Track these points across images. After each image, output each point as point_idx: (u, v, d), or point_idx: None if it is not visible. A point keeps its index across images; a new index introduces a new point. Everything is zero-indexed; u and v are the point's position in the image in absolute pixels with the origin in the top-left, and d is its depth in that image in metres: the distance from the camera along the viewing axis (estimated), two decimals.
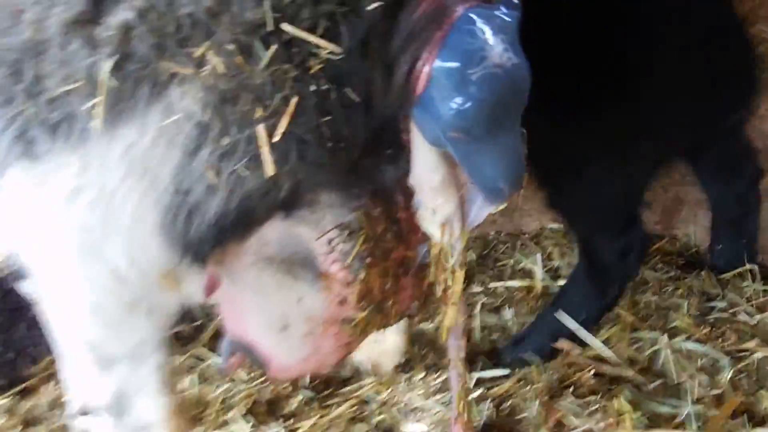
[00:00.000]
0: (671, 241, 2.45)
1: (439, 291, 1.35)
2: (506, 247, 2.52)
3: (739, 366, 1.94)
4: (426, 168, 1.22)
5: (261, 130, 1.02)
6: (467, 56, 1.10)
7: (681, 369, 1.94)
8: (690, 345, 2.00)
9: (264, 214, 1.15)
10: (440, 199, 1.25)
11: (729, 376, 1.90)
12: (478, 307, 2.22)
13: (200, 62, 1.01)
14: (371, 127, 1.14)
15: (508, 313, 2.23)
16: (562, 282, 2.23)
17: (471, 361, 2.00)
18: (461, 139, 1.13)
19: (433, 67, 1.11)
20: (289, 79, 1.02)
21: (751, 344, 2.01)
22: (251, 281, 1.35)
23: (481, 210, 1.28)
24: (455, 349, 1.44)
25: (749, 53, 1.95)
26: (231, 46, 1.00)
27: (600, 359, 1.98)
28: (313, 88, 1.04)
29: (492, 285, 2.31)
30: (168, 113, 1.03)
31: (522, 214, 2.53)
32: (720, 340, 2.03)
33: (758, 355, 1.97)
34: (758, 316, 2.08)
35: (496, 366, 2.03)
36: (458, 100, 1.11)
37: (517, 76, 1.12)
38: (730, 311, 2.13)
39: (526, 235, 2.56)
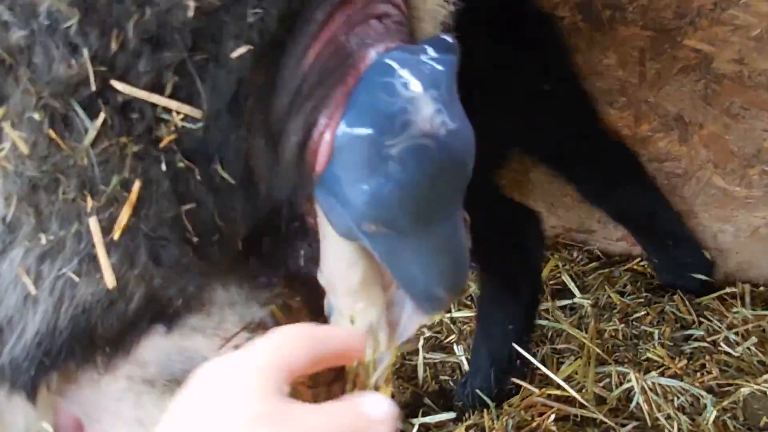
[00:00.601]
0: (637, 259, 2.16)
1: None
2: None
3: (724, 404, 1.70)
4: (340, 263, 0.92)
5: (93, 225, 0.76)
6: (384, 121, 0.77)
7: (656, 409, 1.70)
8: (665, 380, 1.76)
9: (115, 330, 0.88)
10: (361, 304, 0.94)
11: (713, 417, 1.67)
12: (421, 342, 1.96)
13: None
14: (259, 213, 0.87)
15: (456, 349, 1.96)
16: None
17: (415, 405, 1.81)
18: (381, 233, 0.83)
19: (337, 135, 0.79)
20: (128, 157, 0.75)
21: (735, 378, 1.76)
22: (127, 414, 1.03)
23: (412, 319, 0.96)
24: None
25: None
26: (37, 115, 0.72)
27: (563, 399, 1.73)
28: (164, 167, 0.76)
29: (436, 317, 2.02)
30: None
31: None
32: (699, 374, 1.79)
33: (745, 390, 1.72)
34: (742, 346, 1.83)
35: (443, 409, 1.79)
36: (373, 182, 0.78)
37: (456, 148, 0.81)
38: (709, 340, 1.87)
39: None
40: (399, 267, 0.89)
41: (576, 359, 1.83)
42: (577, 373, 1.80)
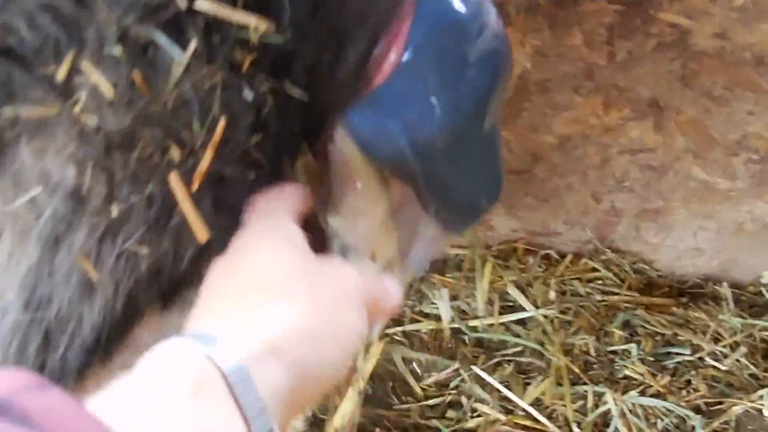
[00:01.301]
0: (609, 264, 2.00)
1: None
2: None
3: (714, 425, 1.56)
4: (366, 198, 0.88)
5: (177, 181, 0.66)
6: (462, 26, 0.77)
7: None
8: (647, 401, 1.61)
9: (148, 304, 0.78)
10: (383, 239, 0.91)
11: None
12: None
13: (66, 89, 0.61)
14: (303, 139, 0.83)
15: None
16: (474, 323, 1.82)
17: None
18: (442, 149, 0.82)
19: (411, 43, 0.76)
20: (216, 90, 0.65)
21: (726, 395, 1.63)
22: None
23: (432, 245, 0.95)
24: None
25: None
26: (117, 49, 0.61)
27: (532, 427, 1.57)
28: (249, 95, 0.68)
29: (390, 330, 1.85)
30: (16, 190, 0.67)
31: None
32: (685, 392, 1.64)
33: (737, 409, 1.58)
34: (730, 358, 1.69)
35: None
36: (453, 91, 0.78)
37: (509, 47, 0.84)
38: (695, 354, 1.72)
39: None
40: (448, 182, 0.87)
41: (543, 379, 1.67)
42: (547, 395, 1.64)
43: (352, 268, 0.66)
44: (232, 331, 0.56)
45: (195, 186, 0.68)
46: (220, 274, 0.63)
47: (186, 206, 0.69)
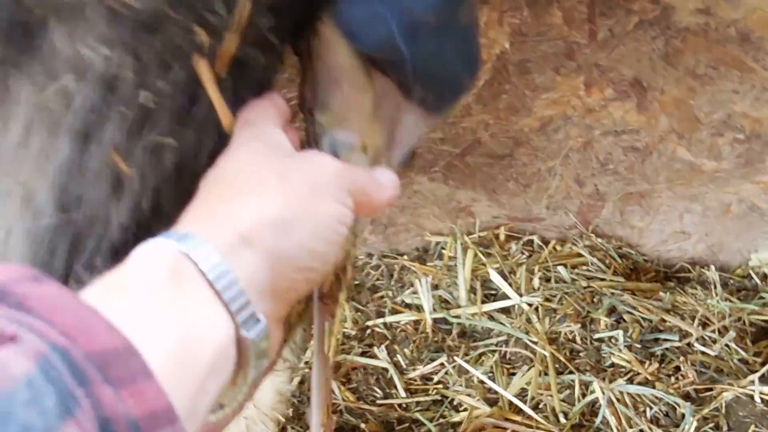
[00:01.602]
0: (594, 249, 1.97)
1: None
2: (380, 272, 2.00)
3: (704, 412, 1.53)
4: (353, 90, 0.90)
5: (203, 65, 0.67)
6: None
7: (627, 423, 1.52)
8: (635, 388, 1.59)
9: (170, 208, 0.76)
10: (371, 130, 0.92)
11: (693, 428, 1.50)
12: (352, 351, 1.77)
13: None
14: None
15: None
16: (456, 312, 1.79)
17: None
18: (429, 30, 0.85)
19: None
20: None
21: (715, 382, 1.60)
22: None
23: (415, 129, 0.96)
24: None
25: None
26: None
27: (518, 421, 1.53)
28: None
29: (369, 323, 1.81)
30: (47, 77, 0.64)
31: (398, 230, 2.02)
32: (674, 379, 1.62)
33: (727, 395, 1.55)
34: (719, 344, 1.66)
35: None
36: None
37: None
38: (683, 339, 1.69)
39: (406, 257, 2.03)
40: (434, 63, 0.91)
41: (528, 368, 1.64)
42: (532, 385, 1.61)
43: (332, 159, 0.69)
44: (204, 227, 0.60)
45: (222, 69, 0.69)
46: (206, 184, 0.66)
47: (212, 90, 0.69)
